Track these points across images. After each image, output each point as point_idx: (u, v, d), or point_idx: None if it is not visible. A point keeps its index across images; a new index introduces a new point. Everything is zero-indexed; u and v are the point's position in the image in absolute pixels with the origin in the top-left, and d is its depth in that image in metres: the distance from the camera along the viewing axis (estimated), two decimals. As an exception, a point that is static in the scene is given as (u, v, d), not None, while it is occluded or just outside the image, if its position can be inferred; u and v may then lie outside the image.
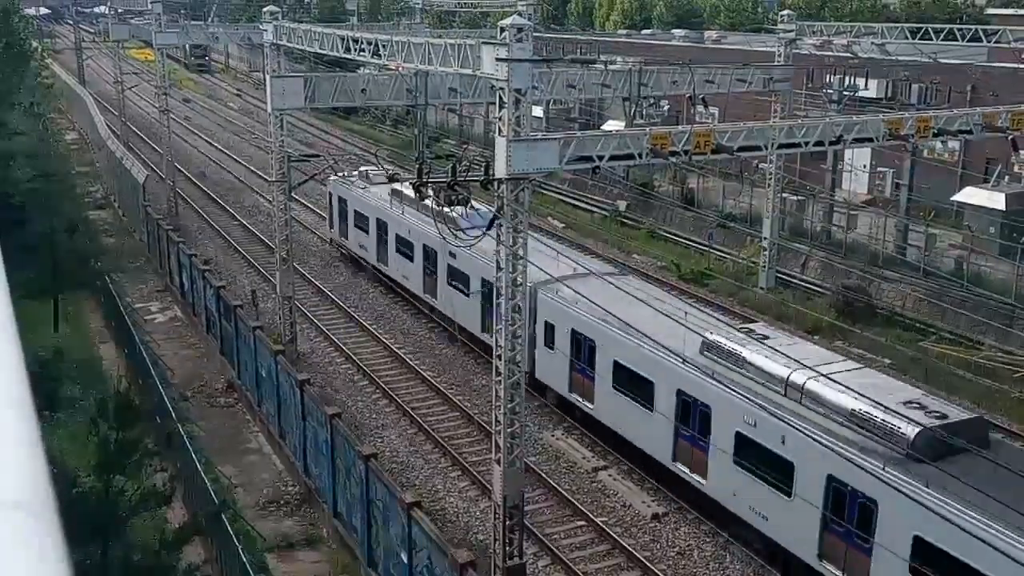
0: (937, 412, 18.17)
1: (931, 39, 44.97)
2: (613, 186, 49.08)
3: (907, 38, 45.63)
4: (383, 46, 23.87)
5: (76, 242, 36.91)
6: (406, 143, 58.80)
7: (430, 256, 33.59)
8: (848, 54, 42.36)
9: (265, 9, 30.86)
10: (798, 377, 19.48)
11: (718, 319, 24.56)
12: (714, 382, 20.59)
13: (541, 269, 22.64)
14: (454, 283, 32.14)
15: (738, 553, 21.11)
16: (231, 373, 29.81)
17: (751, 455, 20.01)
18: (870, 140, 24.49)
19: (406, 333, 34.06)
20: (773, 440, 19.34)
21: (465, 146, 44.88)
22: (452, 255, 31.60)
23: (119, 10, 78.94)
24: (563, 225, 47.16)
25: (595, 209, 49.19)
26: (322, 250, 43.57)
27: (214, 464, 24.36)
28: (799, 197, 42.84)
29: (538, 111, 51.10)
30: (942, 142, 38.28)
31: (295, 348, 30.95)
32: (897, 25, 46.51)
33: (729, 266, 40.23)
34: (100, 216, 49.86)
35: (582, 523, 22.41)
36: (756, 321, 27.78)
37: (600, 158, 19.17)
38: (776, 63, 36.56)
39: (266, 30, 30.03)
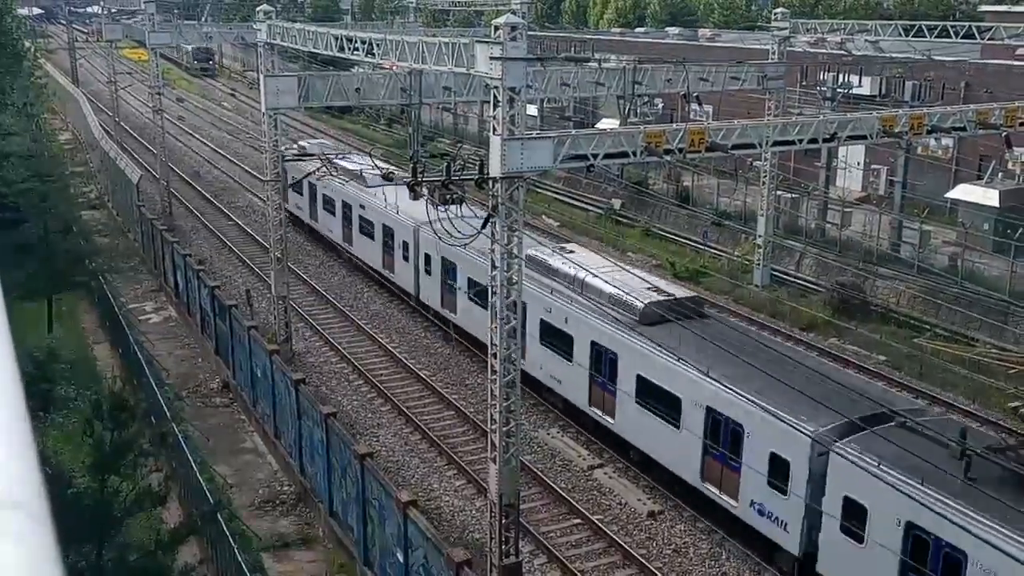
0: (666, 292, 25.05)
1: (925, 36, 45.08)
2: (608, 184, 49.10)
3: (900, 35, 45.74)
4: (377, 45, 23.84)
5: (70, 242, 36.82)
6: (400, 142, 58.79)
7: (348, 209, 39.85)
8: (842, 51, 42.45)
9: (259, 8, 30.80)
10: (580, 275, 25.77)
11: (544, 240, 32.15)
12: (529, 283, 25.89)
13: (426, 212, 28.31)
14: (364, 232, 38.60)
15: (734, 550, 21.15)
16: (226, 373, 29.78)
17: (549, 335, 26.74)
18: (864, 137, 24.51)
19: (401, 332, 34.06)
20: (560, 321, 26.17)
21: (459, 145, 45.01)
22: (363, 207, 38.42)
23: (112, 10, 78.81)
24: (558, 224, 47.17)
25: (590, 207, 49.20)
26: (317, 248, 43.53)
27: (209, 464, 24.34)
28: (793, 195, 42.89)
29: (532, 109, 51.13)
30: (936, 139, 38.36)
31: (290, 348, 30.93)
32: (891, 22, 46.65)
33: (724, 264, 40.28)
34: (94, 216, 49.77)
35: (578, 521, 22.43)
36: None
37: (594, 156, 19.18)
38: (770, 61, 36.60)
39: (260, 29, 29.96)
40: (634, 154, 19.74)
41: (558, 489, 23.49)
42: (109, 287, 35.70)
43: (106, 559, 15.90)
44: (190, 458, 22.23)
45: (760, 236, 37.88)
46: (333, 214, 41.54)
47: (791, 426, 18.63)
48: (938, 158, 42.73)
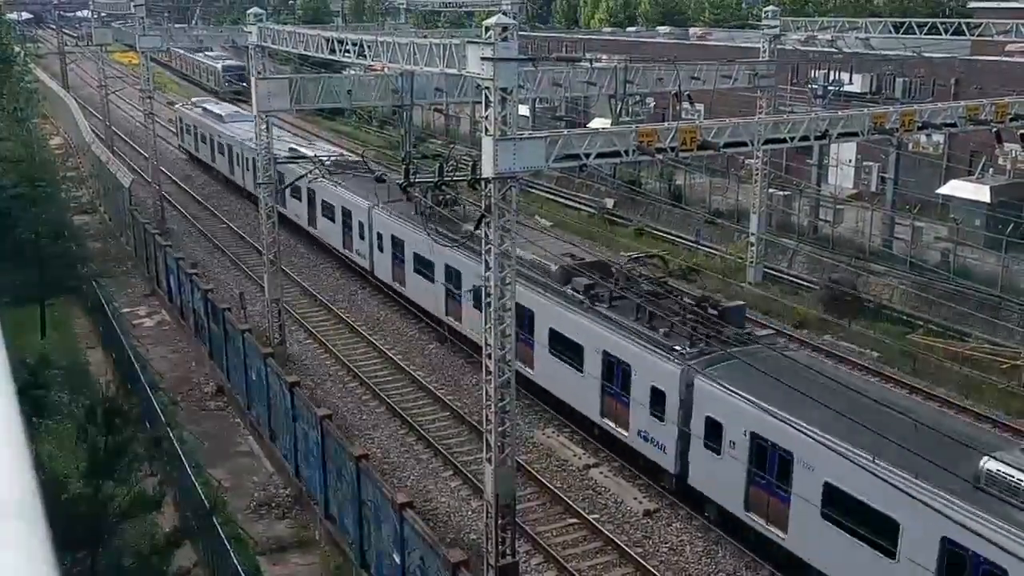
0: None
1: (915, 33, 45.18)
2: (600, 184, 49.12)
3: (891, 32, 45.82)
4: (368, 47, 23.82)
5: (62, 247, 36.69)
6: (393, 144, 58.68)
7: (235, 154, 51.61)
8: (832, 49, 42.53)
9: (249, 11, 30.73)
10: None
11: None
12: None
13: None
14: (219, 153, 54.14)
15: (730, 548, 21.18)
16: (220, 376, 29.72)
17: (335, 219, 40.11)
18: (855, 134, 24.56)
19: (395, 334, 34.03)
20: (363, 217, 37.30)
21: (452, 146, 45.14)
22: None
23: (102, 14, 78.47)
24: (551, 224, 47.15)
25: (583, 207, 49.21)
26: (310, 250, 43.47)
27: (204, 468, 24.28)
28: (786, 192, 42.96)
29: (524, 110, 51.08)
30: (927, 135, 38.44)
31: (284, 350, 30.88)
32: (880, 20, 46.75)
33: (717, 262, 40.32)
34: (86, 221, 49.60)
35: (574, 521, 22.43)
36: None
37: (587, 156, 19.19)
38: (761, 59, 36.65)
39: (250, 32, 29.90)
40: (626, 153, 19.75)
41: (554, 489, 23.49)
42: (102, 292, 35.60)
43: (101, 565, 15.85)
44: (185, 462, 22.19)
45: (753, 234, 37.92)
46: (223, 155, 54.88)
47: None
48: (929, 154, 42.83)
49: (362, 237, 37.50)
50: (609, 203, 47.97)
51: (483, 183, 17.73)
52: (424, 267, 33.37)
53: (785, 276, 38.29)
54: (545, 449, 25.74)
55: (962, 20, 48.11)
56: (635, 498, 23.31)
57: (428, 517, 21.73)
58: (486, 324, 18.59)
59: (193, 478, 21.52)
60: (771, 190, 40.21)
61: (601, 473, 24.50)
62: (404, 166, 26.52)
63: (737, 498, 20.53)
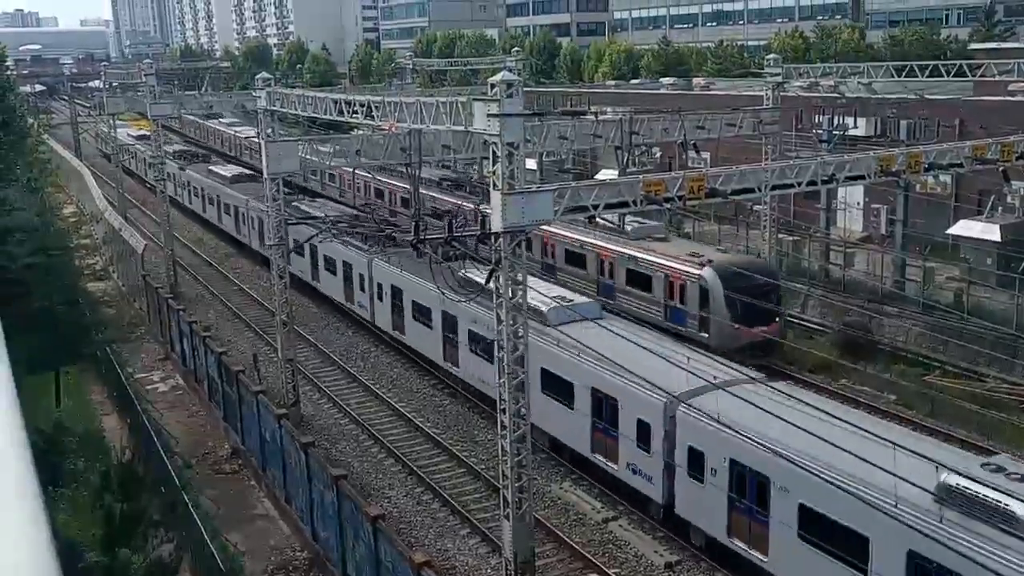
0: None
1: (916, 76, 45.50)
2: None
3: (892, 76, 46.16)
4: (375, 107, 24.15)
5: (76, 314, 36.91)
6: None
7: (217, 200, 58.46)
8: (835, 94, 42.85)
9: (258, 76, 31.22)
10: None
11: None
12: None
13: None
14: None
15: (754, 599, 20.81)
16: (235, 439, 29.63)
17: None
18: (862, 178, 24.62)
19: (409, 391, 33.94)
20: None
21: (460, 202, 45.50)
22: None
23: (113, 83, 79.77)
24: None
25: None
26: (321, 309, 43.60)
27: (221, 532, 24.10)
28: (795, 237, 42.97)
29: (531, 163, 51.50)
30: (934, 176, 38.53)
31: (299, 411, 30.81)
32: (882, 64, 47.14)
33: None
34: (100, 287, 49.95)
35: (595, 576, 22.13)
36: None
37: (595, 207, 19.30)
38: (765, 106, 36.92)
39: (259, 96, 30.33)
40: (634, 203, 19.85)
41: (573, 544, 23.20)
42: (116, 358, 35.70)
43: (119, 633, 15.70)
44: (201, 527, 22.03)
45: (764, 280, 37.82)
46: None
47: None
48: (937, 195, 42.89)
49: (363, 289, 38.74)
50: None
51: (493, 237, 17.82)
52: (422, 314, 34.10)
53: (798, 321, 38.12)
54: (563, 503, 25.48)
55: (963, 62, 48.44)
56: (655, 551, 22.99)
57: (447, 576, 21.45)
58: (500, 378, 18.55)
59: (209, 542, 21.36)
60: (780, 235, 40.25)
61: (620, 526, 24.21)
62: (414, 223, 26.67)
63: (720, 524, 21.02)
